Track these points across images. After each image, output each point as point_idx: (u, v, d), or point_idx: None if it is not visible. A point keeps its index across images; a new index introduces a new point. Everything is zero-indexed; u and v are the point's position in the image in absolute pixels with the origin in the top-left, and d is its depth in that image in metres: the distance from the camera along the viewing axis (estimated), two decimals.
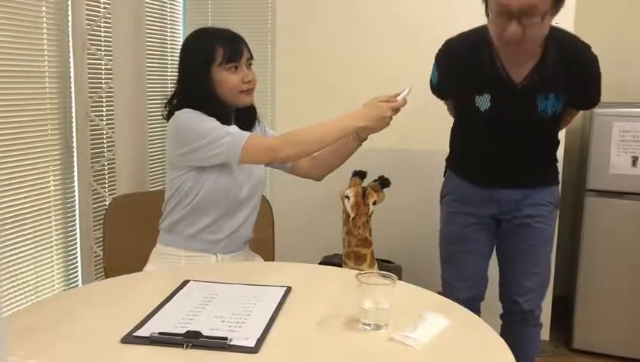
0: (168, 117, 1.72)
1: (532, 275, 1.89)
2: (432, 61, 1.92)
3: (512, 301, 1.92)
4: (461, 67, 1.79)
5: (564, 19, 2.44)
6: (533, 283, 1.90)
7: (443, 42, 1.86)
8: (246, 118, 1.79)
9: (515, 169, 1.86)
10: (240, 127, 1.73)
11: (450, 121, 2.04)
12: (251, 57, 1.75)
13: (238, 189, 1.73)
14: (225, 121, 1.69)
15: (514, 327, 1.95)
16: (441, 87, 1.91)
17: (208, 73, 1.68)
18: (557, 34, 1.71)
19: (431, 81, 1.93)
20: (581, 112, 2.21)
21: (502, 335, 1.95)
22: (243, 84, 1.70)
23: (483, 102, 1.78)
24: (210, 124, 1.64)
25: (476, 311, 1.95)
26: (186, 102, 1.69)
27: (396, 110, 1.63)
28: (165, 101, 1.77)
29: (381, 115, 1.62)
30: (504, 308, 1.98)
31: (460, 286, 1.95)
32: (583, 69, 1.73)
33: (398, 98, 1.63)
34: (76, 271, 2.54)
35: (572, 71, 1.71)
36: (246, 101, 1.74)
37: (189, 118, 1.65)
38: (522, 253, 1.88)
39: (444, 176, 2.06)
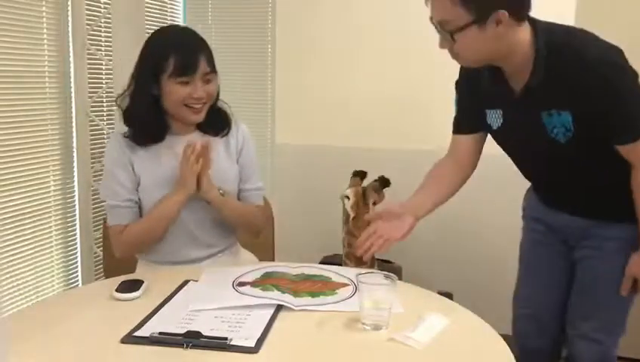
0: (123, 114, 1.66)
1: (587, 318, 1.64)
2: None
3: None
4: (473, 80, 1.54)
5: (565, 16, 2.44)
6: (586, 327, 1.63)
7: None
8: (216, 125, 1.70)
9: (561, 197, 1.62)
10: (211, 133, 1.69)
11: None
12: (212, 71, 1.58)
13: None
14: (162, 133, 1.63)
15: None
16: (460, 114, 1.66)
17: (157, 82, 1.56)
18: (549, 37, 1.37)
19: (454, 118, 1.68)
20: None
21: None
22: (190, 99, 1.56)
23: (494, 118, 1.55)
24: (108, 183, 1.63)
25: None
26: (131, 105, 1.62)
27: (191, 159, 1.54)
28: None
29: (182, 176, 1.56)
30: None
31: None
32: (579, 79, 1.33)
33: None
34: (76, 271, 2.54)
35: (567, 81, 1.35)
36: (192, 118, 1.60)
37: (106, 160, 1.66)
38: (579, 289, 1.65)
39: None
